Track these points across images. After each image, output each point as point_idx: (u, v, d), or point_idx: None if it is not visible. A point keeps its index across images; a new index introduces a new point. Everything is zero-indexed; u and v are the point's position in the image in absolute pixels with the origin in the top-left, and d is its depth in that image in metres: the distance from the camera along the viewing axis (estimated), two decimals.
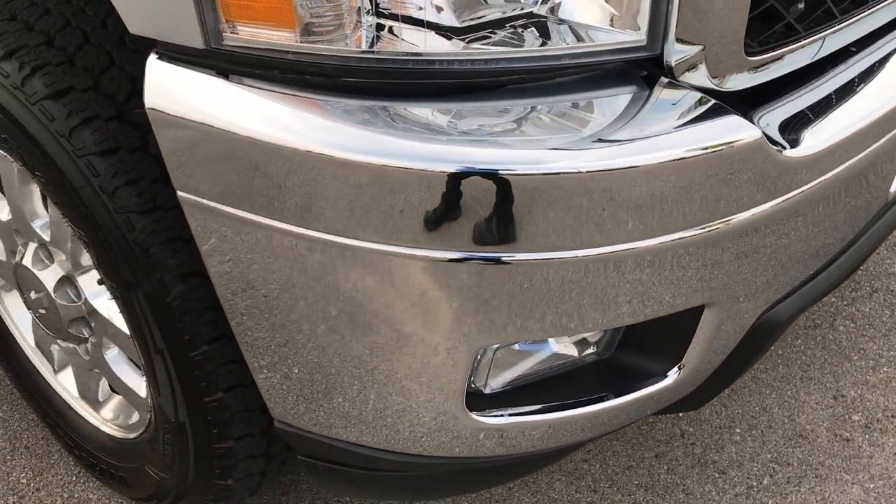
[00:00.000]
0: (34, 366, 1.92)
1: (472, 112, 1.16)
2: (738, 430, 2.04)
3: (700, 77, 1.19)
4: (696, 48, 1.17)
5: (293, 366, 1.34)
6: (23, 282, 1.72)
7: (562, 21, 1.16)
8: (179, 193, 1.21)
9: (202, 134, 1.14)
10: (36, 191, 1.62)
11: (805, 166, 1.23)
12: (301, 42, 1.09)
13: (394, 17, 1.10)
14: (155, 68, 1.17)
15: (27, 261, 1.68)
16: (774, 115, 1.27)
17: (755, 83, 1.27)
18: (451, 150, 1.13)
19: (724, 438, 2.02)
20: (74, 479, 1.98)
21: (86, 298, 1.63)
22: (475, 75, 1.14)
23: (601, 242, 1.18)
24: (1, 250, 1.78)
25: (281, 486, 1.93)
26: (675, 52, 1.16)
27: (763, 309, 1.40)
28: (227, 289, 1.27)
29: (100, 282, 1.58)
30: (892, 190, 1.56)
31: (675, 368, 1.35)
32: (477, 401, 1.32)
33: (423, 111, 1.14)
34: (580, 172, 1.13)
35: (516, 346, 1.33)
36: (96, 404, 1.83)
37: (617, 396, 1.33)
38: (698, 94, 1.19)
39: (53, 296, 1.66)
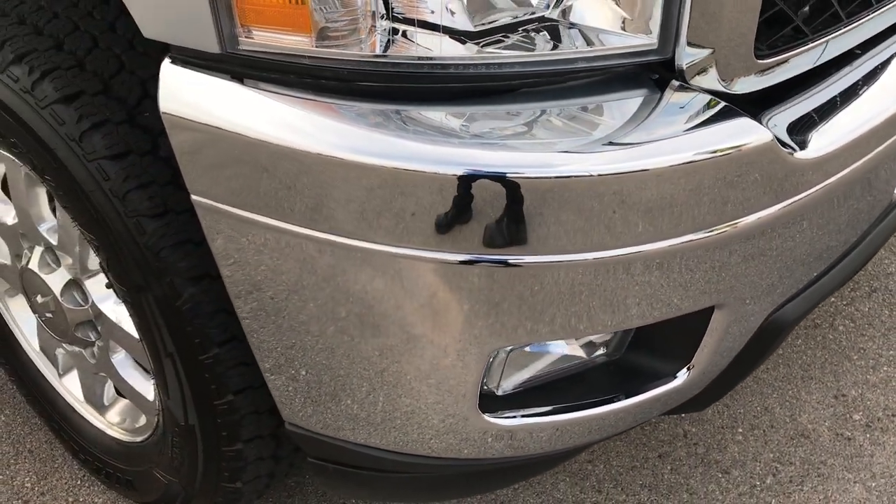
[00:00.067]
0: (38, 370, 1.92)
1: (485, 115, 1.17)
2: (740, 430, 2.05)
3: (710, 80, 1.20)
4: (707, 51, 1.18)
5: (304, 367, 1.35)
6: (29, 286, 1.72)
7: (573, 25, 1.16)
8: (193, 197, 1.22)
9: (217, 138, 1.15)
10: (43, 195, 1.62)
11: (814, 168, 1.24)
12: (316, 47, 1.10)
13: (408, 21, 1.11)
14: (169, 73, 1.17)
15: (33, 265, 1.68)
16: (782, 118, 1.28)
17: (762, 86, 1.28)
18: (464, 153, 1.13)
19: (727, 438, 2.03)
20: (79, 482, 1.98)
21: (93, 302, 1.63)
22: (489, 79, 1.14)
23: (612, 245, 1.19)
24: (6, 254, 1.78)
25: (286, 489, 1.94)
26: (686, 56, 1.17)
27: (769, 311, 1.41)
28: (240, 291, 1.28)
29: (108, 285, 1.58)
30: (895, 192, 1.58)
31: (685, 369, 1.36)
32: (489, 402, 1.32)
33: (438, 115, 1.15)
34: (592, 176, 1.14)
35: (527, 349, 1.34)
36: (102, 408, 1.83)
37: (627, 397, 1.34)
38: (709, 97, 1.20)
39: (60, 299, 1.66)
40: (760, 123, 1.20)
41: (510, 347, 1.27)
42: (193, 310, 1.37)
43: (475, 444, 1.39)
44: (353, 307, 1.25)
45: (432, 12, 1.10)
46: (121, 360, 1.70)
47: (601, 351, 1.38)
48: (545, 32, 1.16)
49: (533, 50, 1.16)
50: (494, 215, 1.15)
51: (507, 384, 1.34)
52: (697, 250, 1.24)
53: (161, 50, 1.38)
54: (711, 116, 1.18)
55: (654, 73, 1.20)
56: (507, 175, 1.13)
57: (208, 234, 1.24)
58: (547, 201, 1.14)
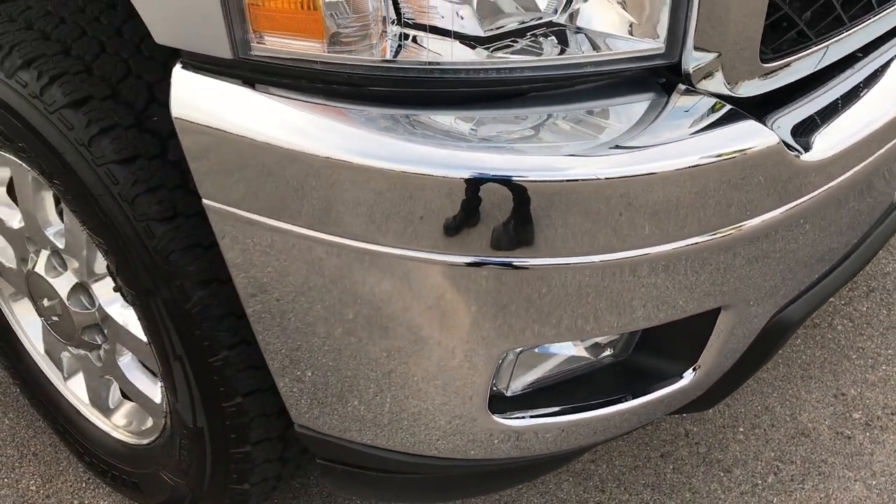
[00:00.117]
0: (43, 373, 1.92)
1: (494, 119, 1.18)
2: (741, 429, 2.07)
3: (716, 84, 1.21)
4: (713, 55, 1.20)
5: (313, 369, 1.36)
6: (35, 289, 1.73)
7: (580, 29, 1.18)
8: (205, 201, 1.23)
9: (229, 142, 1.16)
10: (49, 199, 1.62)
11: (820, 171, 1.25)
12: (328, 52, 1.11)
13: (418, 26, 1.12)
14: (181, 78, 1.18)
15: (40, 268, 1.68)
16: (785, 121, 1.29)
17: (766, 90, 1.29)
18: (473, 157, 1.14)
19: (728, 437, 2.05)
20: (84, 485, 1.99)
21: (100, 305, 1.63)
22: (499, 83, 1.15)
23: (619, 248, 1.20)
24: (12, 258, 1.78)
25: (291, 490, 1.95)
26: (693, 60, 1.18)
27: (773, 312, 1.43)
28: (251, 294, 1.29)
29: (116, 289, 1.59)
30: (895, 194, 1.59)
31: (691, 370, 1.37)
32: (497, 403, 1.34)
33: (447, 119, 1.16)
34: (599, 179, 1.15)
35: (536, 350, 1.35)
36: (107, 411, 1.83)
37: (634, 398, 1.36)
38: (715, 100, 1.21)
39: (67, 303, 1.66)
40: (766, 126, 1.22)
41: (520, 349, 1.28)
42: (203, 313, 1.38)
43: (482, 445, 1.40)
44: (364, 309, 1.26)
45: (443, 17, 1.11)
46: (127, 363, 1.70)
47: (608, 352, 1.40)
48: (553, 37, 1.17)
49: (540, 54, 1.17)
50: (503, 218, 1.16)
51: (516, 385, 1.36)
52: (703, 252, 1.25)
53: (168, 54, 1.39)
54: (718, 119, 1.19)
55: (660, 77, 1.22)
56: (516, 178, 1.14)
57: (220, 237, 1.25)
58: (555, 204, 1.15)
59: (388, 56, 1.13)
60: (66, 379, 1.90)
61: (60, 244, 1.63)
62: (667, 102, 1.20)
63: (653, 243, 1.21)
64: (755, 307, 1.37)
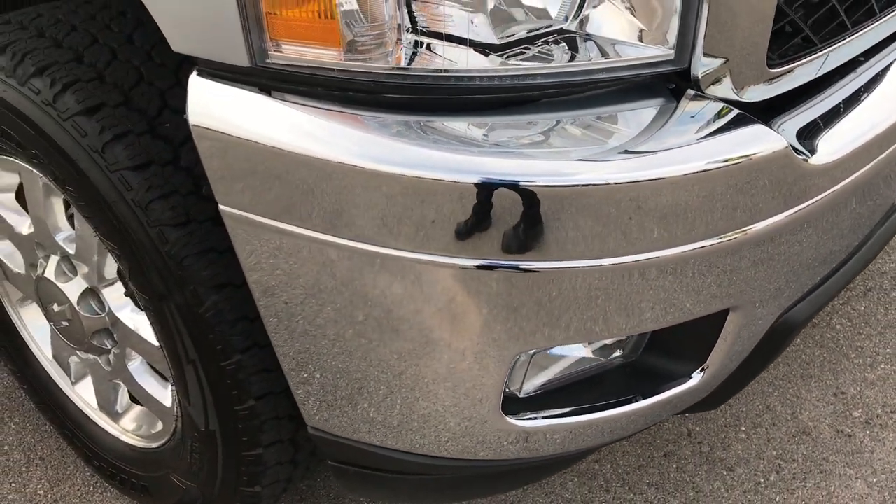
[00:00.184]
0: (51, 378, 1.93)
1: (507, 125, 1.19)
2: (743, 429, 2.09)
3: (724, 89, 1.23)
4: (721, 61, 1.22)
5: (328, 372, 1.37)
6: (44, 294, 1.74)
7: (591, 37, 1.19)
8: (222, 207, 1.24)
9: (246, 149, 1.17)
10: (59, 204, 1.63)
11: (826, 174, 1.27)
12: (344, 60, 1.13)
13: (433, 34, 1.13)
14: (198, 86, 1.19)
15: (49, 273, 1.69)
16: (790, 125, 1.31)
17: (771, 95, 1.31)
18: (489, 163, 1.16)
19: (730, 436, 2.07)
20: (92, 489, 2.00)
21: (110, 310, 1.64)
22: (512, 90, 1.17)
23: (628, 251, 1.22)
24: (20, 263, 1.79)
25: (298, 493, 1.96)
26: (702, 66, 1.20)
27: (779, 313, 1.45)
28: (268, 299, 1.30)
29: (127, 294, 1.60)
30: None
31: (699, 370, 1.39)
32: (510, 405, 1.35)
33: (461, 125, 1.18)
34: (610, 183, 1.17)
35: (548, 352, 1.37)
36: (116, 415, 1.84)
37: (644, 398, 1.38)
38: (723, 105, 1.23)
39: (77, 308, 1.67)
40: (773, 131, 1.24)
41: (533, 351, 1.30)
42: (216, 317, 1.39)
43: (491, 446, 1.42)
44: (380, 311, 1.27)
45: (456, 25, 1.13)
46: (137, 367, 1.72)
47: (618, 353, 1.42)
48: (564, 44, 1.19)
49: (551, 61, 1.19)
50: (513, 222, 1.17)
51: (529, 386, 1.37)
52: (711, 255, 1.27)
53: (179, 61, 1.41)
54: (727, 124, 1.21)
55: (669, 83, 1.24)
56: (527, 183, 1.15)
57: (236, 243, 1.27)
58: (565, 208, 1.17)
59: (403, 63, 1.14)
60: (73, 383, 1.91)
61: (71, 250, 1.64)
62: (676, 107, 1.22)
63: (661, 247, 1.23)
64: (762, 308, 1.39)
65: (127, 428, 1.84)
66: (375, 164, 1.15)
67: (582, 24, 1.19)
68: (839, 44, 1.36)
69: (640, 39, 1.20)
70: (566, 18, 1.18)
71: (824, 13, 1.34)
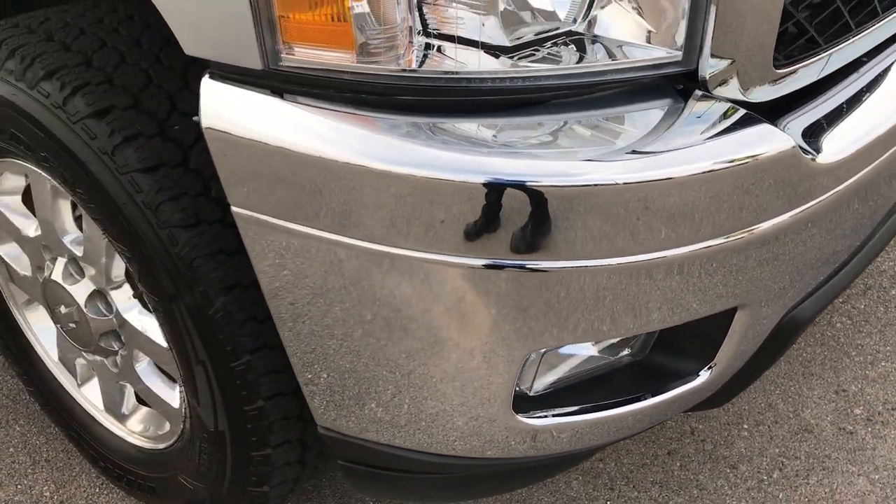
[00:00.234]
0: (57, 380, 1.94)
1: (517, 126, 1.20)
2: (745, 426, 2.10)
3: (731, 90, 1.24)
4: (728, 62, 1.23)
5: (338, 371, 1.38)
6: (51, 297, 1.74)
7: (599, 38, 1.21)
8: (234, 209, 1.25)
9: (259, 151, 1.18)
10: (67, 207, 1.64)
11: (832, 173, 1.29)
12: (357, 62, 1.14)
13: (444, 37, 1.14)
14: (210, 89, 1.20)
15: (57, 276, 1.70)
16: (795, 125, 1.32)
17: (777, 95, 1.32)
18: (498, 163, 1.17)
19: (733, 434, 2.08)
20: (98, 490, 2.00)
21: (117, 311, 1.65)
22: (522, 91, 1.18)
23: (635, 251, 1.23)
24: (27, 266, 1.80)
25: (304, 492, 1.97)
26: (709, 67, 1.21)
27: (783, 313, 1.46)
28: (280, 300, 1.31)
29: (136, 295, 1.61)
30: None
31: (707, 368, 1.40)
32: (520, 403, 1.36)
33: (471, 126, 1.19)
34: (618, 184, 1.18)
35: (557, 351, 1.38)
36: (123, 416, 1.85)
37: (653, 396, 1.39)
38: (729, 105, 1.24)
39: (84, 309, 1.68)
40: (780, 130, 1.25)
41: (543, 350, 1.31)
42: (225, 318, 1.40)
43: (499, 445, 1.43)
44: (389, 311, 1.28)
45: (467, 28, 1.14)
46: (144, 368, 1.72)
47: (626, 351, 1.43)
48: (573, 46, 1.20)
49: (560, 63, 1.20)
50: (522, 222, 1.18)
51: (539, 385, 1.38)
52: (718, 255, 1.28)
53: (187, 64, 1.41)
54: (734, 124, 1.22)
55: (677, 84, 1.25)
56: (535, 183, 1.16)
57: (248, 244, 1.27)
58: (573, 208, 1.18)
59: (415, 66, 1.15)
60: (80, 385, 1.92)
61: (78, 252, 1.64)
62: (683, 108, 1.24)
63: (669, 246, 1.24)
64: (767, 307, 1.40)
65: (134, 429, 1.84)
66: (386, 165, 1.16)
67: (590, 25, 1.20)
68: (843, 44, 1.37)
69: (648, 41, 1.21)
70: (574, 20, 1.19)
71: (828, 14, 1.35)
